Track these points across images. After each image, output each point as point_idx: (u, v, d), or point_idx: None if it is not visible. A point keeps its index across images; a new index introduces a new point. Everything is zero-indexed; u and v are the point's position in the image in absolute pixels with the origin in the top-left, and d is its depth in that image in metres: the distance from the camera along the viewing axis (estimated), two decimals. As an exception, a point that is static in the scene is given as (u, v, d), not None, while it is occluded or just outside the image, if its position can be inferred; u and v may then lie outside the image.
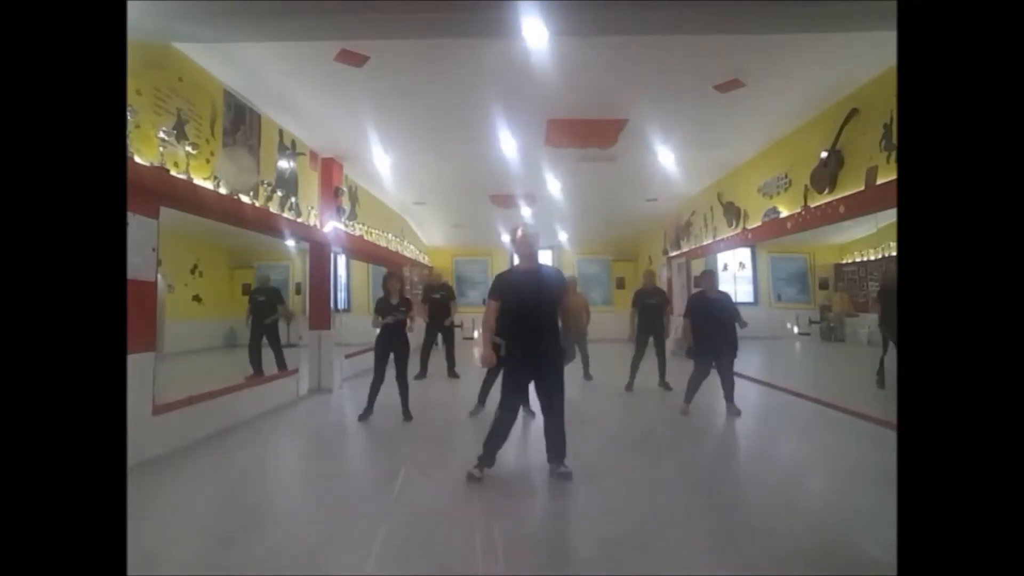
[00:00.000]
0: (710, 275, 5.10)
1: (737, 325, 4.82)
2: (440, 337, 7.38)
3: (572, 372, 5.56)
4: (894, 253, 5.07)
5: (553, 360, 3.11)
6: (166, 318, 4.41)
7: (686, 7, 3.18)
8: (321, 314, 6.48)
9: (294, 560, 2.21)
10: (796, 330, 4.50)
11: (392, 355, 4.74)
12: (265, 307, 6.01)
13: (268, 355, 5.85)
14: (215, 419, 4.32)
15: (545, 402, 3.13)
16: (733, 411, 4.76)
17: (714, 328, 4.74)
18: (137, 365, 3.37)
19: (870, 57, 4.14)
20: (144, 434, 3.45)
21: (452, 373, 7.24)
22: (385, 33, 3.70)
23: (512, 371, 3.12)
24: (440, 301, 7.32)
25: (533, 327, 3.03)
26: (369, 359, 7.99)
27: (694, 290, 7.99)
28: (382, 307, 4.71)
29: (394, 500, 2.84)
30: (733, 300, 4.95)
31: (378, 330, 4.77)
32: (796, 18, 3.36)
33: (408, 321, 4.82)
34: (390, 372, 4.78)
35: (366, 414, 4.73)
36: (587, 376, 6.72)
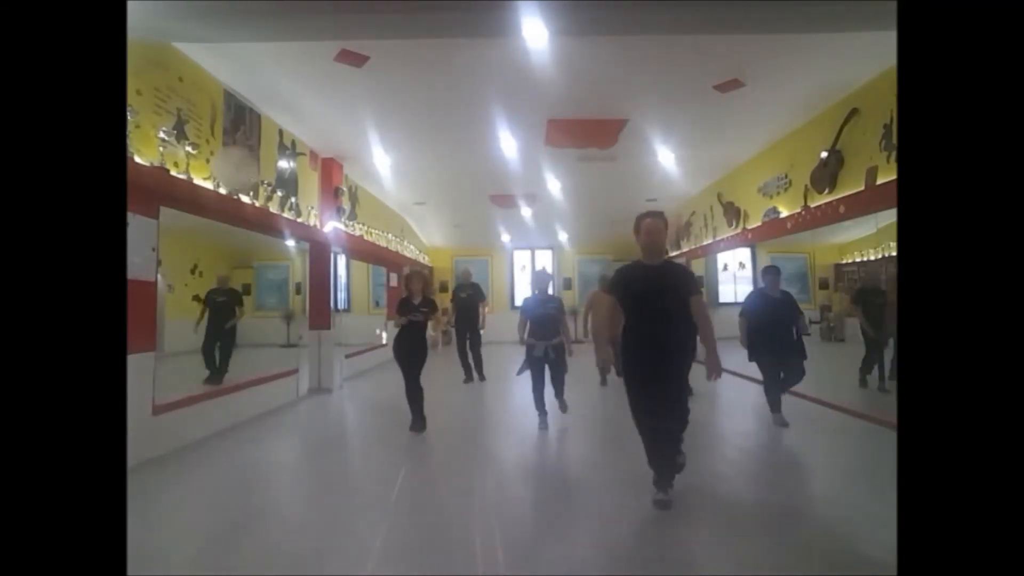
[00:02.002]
0: (774, 273, 4.44)
1: (796, 330, 4.30)
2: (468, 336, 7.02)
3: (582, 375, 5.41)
4: (894, 253, 5.06)
5: (673, 370, 2.66)
6: (166, 318, 4.41)
7: (686, 7, 3.18)
8: (321, 314, 6.48)
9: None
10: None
11: (409, 357, 4.44)
12: (224, 308, 5.49)
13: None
14: (215, 419, 4.33)
15: (660, 418, 2.65)
16: (779, 421, 4.26)
17: (771, 329, 4.24)
18: (137, 365, 3.36)
19: (870, 57, 4.13)
20: (144, 434, 3.45)
21: (480, 375, 6.95)
22: (385, 33, 3.70)
23: (634, 379, 2.70)
24: (467, 301, 7.02)
25: (655, 330, 2.63)
26: (369, 359, 7.98)
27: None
28: (404, 308, 4.41)
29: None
30: (796, 301, 4.45)
31: (396, 331, 4.49)
32: (796, 18, 3.36)
33: (430, 323, 4.55)
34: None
35: (416, 424, 4.33)
36: (603, 382, 6.30)
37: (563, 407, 4.53)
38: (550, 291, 4.56)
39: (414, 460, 3.64)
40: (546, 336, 4.34)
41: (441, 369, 7.66)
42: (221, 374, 5.26)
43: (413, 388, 4.39)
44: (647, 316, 2.66)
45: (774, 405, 4.33)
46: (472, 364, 6.96)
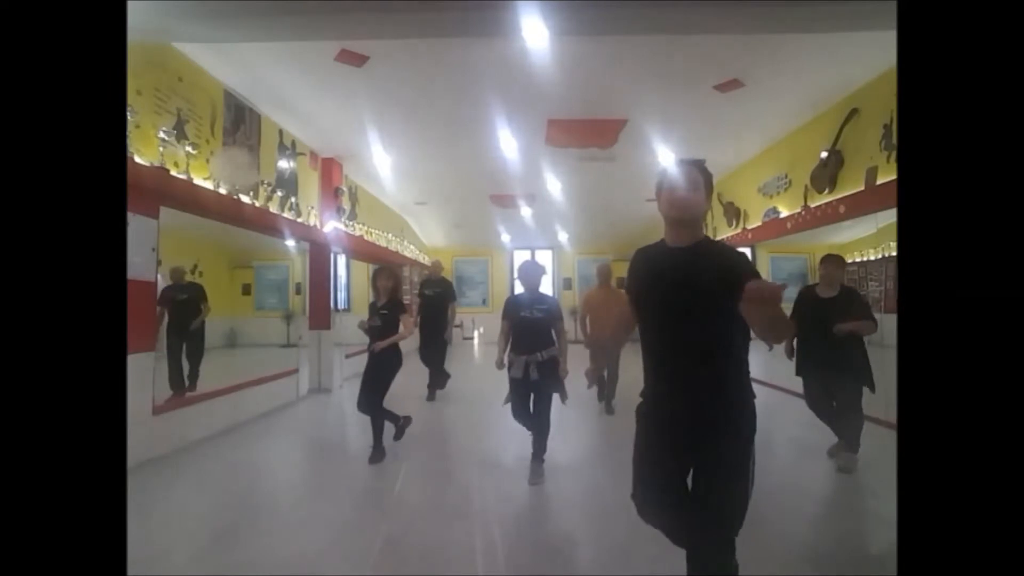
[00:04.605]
0: (833, 263, 3.49)
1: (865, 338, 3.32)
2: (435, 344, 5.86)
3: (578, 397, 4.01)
4: (894, 253, 5.06)
5: (716, 411, 1.51)
6: (166, 318, 4.41)
7: (686, 7, 3.18)
8: (321, 314, 6.49)
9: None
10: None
11: (371, 372, 3.65)
12: (186, 308, 4.62)
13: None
14: (215, 419, 4.33)
15: (701, 496, 1.52)
16: (845, 460, 3.25)
17: (824, 338, 3.27)
18: (137, 365, 3.37)
19: (870, 57, 4.14)
20: (144, 434, 3.45)
21: (431, 393, 5.78)
22: (385, 33, 3.70)
23: (649, 429, 1.63)
24: (433, 299, 5.93)
25: (679, 346, 1.57)
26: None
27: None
28: (372, 311, 3.71)
29: None
30: (861, 299, 3.47)
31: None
32: (796, 18, 3.35)
33: (401, 328, 3.65)
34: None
35: (377, 455, 3.55)
36: (608, 409, 5.01)
37: (536, 474, 3.10)
38: (542, 289, 3.33)
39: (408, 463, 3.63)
40: (532, 348, 3.10)
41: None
42: (190, 386, 4.55)
43: (375, 409, 3.62)
44: (670, 317, 1.57)
45: (849, 438, 3.31)
46: (433, 376, 5.82)
